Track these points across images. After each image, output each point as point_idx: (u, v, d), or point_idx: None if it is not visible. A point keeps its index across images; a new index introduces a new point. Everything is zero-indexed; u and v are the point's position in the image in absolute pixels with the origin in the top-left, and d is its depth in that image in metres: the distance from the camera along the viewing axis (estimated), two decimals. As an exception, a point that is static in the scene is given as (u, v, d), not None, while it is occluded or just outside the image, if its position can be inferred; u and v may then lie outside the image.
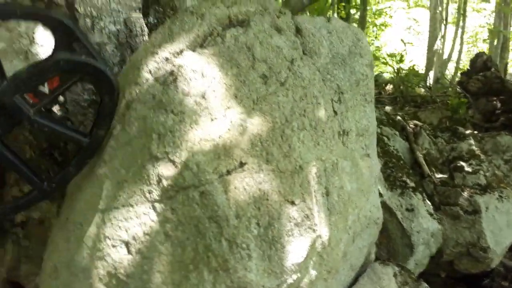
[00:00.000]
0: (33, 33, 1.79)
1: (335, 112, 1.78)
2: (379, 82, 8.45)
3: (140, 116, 1.49)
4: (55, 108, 1.87)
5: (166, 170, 1.32)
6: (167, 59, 1.60)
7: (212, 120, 1.44)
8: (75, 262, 1.46)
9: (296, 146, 1.48)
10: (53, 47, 1.30)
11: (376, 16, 15.35)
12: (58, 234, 1.57)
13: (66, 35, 1.27)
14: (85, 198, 1.50)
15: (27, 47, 1.79)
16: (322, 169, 1.53)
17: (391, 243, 3.01)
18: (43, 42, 1.85)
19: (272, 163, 1.37)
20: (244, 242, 1.21)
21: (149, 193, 1.35)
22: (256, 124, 1.48)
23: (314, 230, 1.35)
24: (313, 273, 1.43)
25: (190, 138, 1.38)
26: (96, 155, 1.53)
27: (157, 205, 1.32)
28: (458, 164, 3.60)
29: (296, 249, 1.29)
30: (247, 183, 1.28)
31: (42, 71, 1.22)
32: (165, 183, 1.31)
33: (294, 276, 1.28)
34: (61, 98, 1.89)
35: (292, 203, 1.31)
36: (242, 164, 1.32)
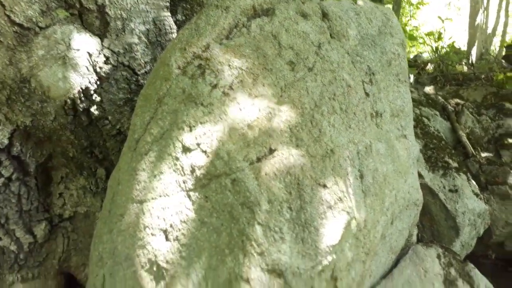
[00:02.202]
0: (69, 39, 1.88)
1: (367, 94, 1.75)
2: (418, 63, 8.15)
3: (172, 110, 1.53)
4: (93, 108, 1.96)
5: (198, 160, 1.36)
6: (194, 53, 1.64)
7: (240, 109, 1.46)
8: (118, 251, 1.54)
9: (327, 130, 1.48)
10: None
11: (411, -6, 14.73)
12: (102, 226, 1.65)
13: None
14: (124, 191, 1.57)
15: (64, 53, 1.89)
16: (355, 152, 1.51)
17: (435, 226, 2.93)
18: (79, 47, 1.94)
19: (302, 148, 1.38)
20: (277, 226, 1.23)
21: (184, 182, 1.39)
22: (285, 111, 1.49)
23: (348, 213, 1.35)
24: (349, 255, 1.42)
25: (220, 128, 1.41)
26: (133, 151, 1.59)
27: (191, 194, 1.37)
28: (506, 142, 3.42)
29: (330, 231, 1.29)
30: (277, 169, 1.29)
31: None
32: (198, 172, 1.35)
33: (329, 258, 1.28)
34: (97, 98, 1.98)
35: (324, 186, 1.31)
36: (272, 151, 1.33)
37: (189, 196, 1.37)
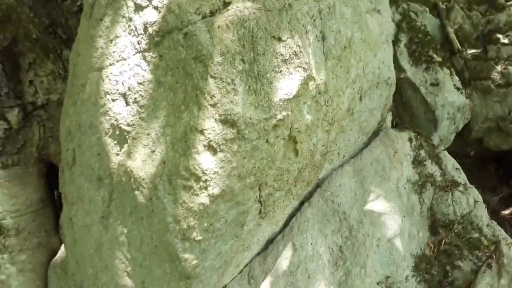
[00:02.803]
0: None
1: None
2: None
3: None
4: (54, -12, 1.86)
5: (150, 17, 1.31)
6: None
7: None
8: (83, 121, 1.55)
9: (286, -14, 1.40)
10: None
11: None
12: (67, 100, 1.66)
13: None
14: (84, 61, 1.55)
15: None
16: (317, 10, 1.45)
17: (415, 120, 2.95)
18: None
19: (258, 1, 1.31)
20: (229, 77, 1.21)
21: (138, 43, 1.36)
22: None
23: (304, 69, 1.33)
24: (308, 117, 1.43)
25: (173, -16, 1.33)
26: (89, 18, 1.54)
27: (146, 54, 1.34)
28: (494, 36, 3.33)
29: (284, 85, 1.28)
30: (231, 22, 1.25)
31: None
32: (150, 30, 1.31)
33: (284, 113, 1.29)
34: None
35: (279, 39, 1.28)
36: (226, 4, 1.28)
37: (144, 57, 1.35)
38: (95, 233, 1.58)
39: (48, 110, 2.14)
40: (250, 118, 1.23)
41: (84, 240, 1.65)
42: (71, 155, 1.67)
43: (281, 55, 1.27)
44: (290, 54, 1.28)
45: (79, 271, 1.73)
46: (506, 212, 3.34)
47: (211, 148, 1.25)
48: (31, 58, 2.02)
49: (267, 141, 1.31)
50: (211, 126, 1.22)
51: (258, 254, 1.64)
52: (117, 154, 1.45)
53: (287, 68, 1.29)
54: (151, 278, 1.39)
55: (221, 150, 1.25)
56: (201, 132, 1.23)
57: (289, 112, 1.32)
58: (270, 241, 1.68)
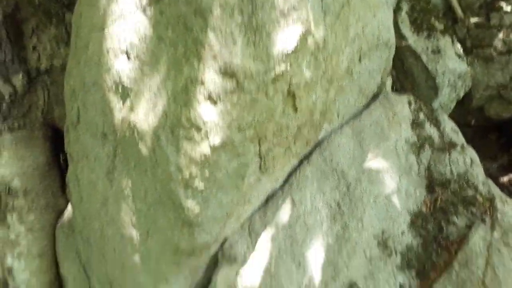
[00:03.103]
0: None
1: None
2: None
3: None
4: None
5: (151, -27, 1.33)
6: None
7: None
8: (86, 80, 1.59)
9: None
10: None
11: None
12: (70, 61, 1.69)
13: None
14: (86, 22, 1.58)
15: None
16: (314, -32, 1.46)
17: (416, 88, 2.96)
18: None
19: (257, -43, 1.33)
20: (229, 30, 1.24)
21: (140, 1, 1.38)
22: None
23: (303, 23, 1.35)
24: (307, 73, 1.46)
25: None
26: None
27: (147, 10, 1.36)
28: (497, 4, 3.30)
29: (282, 38, 1.30)
30: (229, -24, 1.26)
31: None
32: (151, -14, 1.33)
33: (283, 66, 1.32)
34: None
35: (277, -8, 1.30)
36: (224, -41, 1.29)
37: (145, 13, 1.37)
38: (100, 189, 1.64)
39: (52, 75, 2.18)
40: (250, 70, 1.26)
41: (90, 196, 1.71)
42: (76, 114, 1.71)
43: (279, 8, 1.29)
44: (288, 8, 1.30)
45: (86, 227, 1.79)
46: (505, 179, 3.39)
47: (211, 100, 1.28)
48: (34, 23, 2.05)
49: (266, 94, 1.35)
50: (211, 78, 1.26)
51: (259, 209, 1.70)
52: (120, 110, 1.49)
53: (286, 21, 1.31)
54: (155, 227, 1.46)
55: (221, 101, 1.29)
56: (202, 83, 1.27)
57: (288, 66, 1.35)
58: (270, 197, 1.73)
